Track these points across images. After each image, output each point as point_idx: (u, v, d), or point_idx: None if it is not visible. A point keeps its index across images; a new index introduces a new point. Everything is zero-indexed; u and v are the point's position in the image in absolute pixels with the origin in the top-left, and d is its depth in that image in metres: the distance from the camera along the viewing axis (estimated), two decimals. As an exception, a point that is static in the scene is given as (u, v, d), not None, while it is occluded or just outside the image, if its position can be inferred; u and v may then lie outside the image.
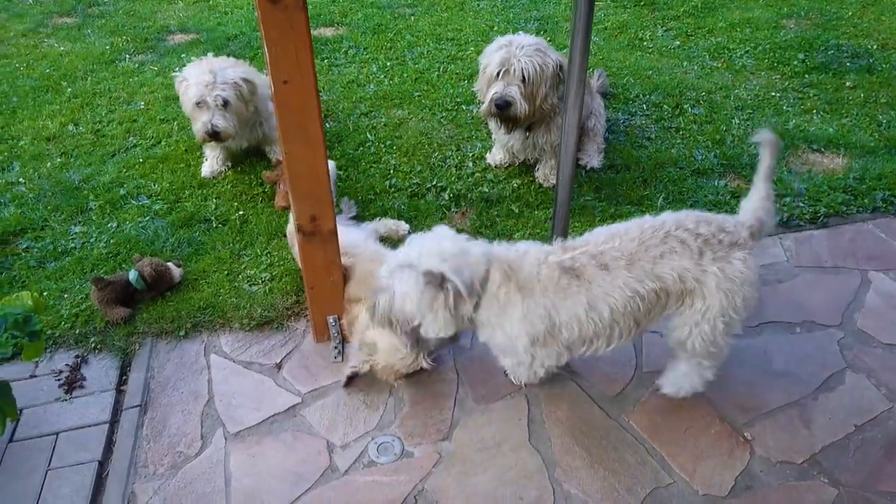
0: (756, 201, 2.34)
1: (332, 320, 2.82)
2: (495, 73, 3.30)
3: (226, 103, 3.57)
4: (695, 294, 2.20)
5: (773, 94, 4.50)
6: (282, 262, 3.23)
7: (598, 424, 2.50)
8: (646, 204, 3.51)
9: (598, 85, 4.29)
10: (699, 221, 2.23)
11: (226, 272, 3.20)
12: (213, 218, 3.55)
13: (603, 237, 2.29)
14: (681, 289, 2.19)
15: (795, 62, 4.85)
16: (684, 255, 2.17)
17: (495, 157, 3.88)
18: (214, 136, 3.61)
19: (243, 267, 3.23)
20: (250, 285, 3.13)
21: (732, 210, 3.43)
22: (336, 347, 2.81)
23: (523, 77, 3.26)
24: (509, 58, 3.25)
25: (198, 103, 3.58)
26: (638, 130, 4.17)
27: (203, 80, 3.55)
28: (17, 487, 2.34)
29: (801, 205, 3.48)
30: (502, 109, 3.32)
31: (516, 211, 3.53)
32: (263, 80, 3.87)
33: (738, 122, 4.19)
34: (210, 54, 3.85)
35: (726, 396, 2.57)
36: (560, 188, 2.75)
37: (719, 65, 4.92)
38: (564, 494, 2.28)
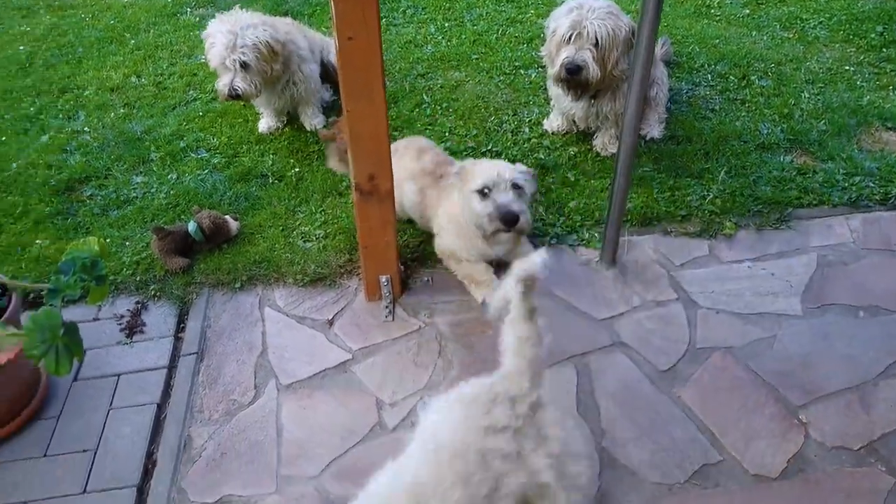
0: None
1: (384, 280, 2.83)
2: (566, 37, 3.21)
3: (245, 66, 3.52)
4: None
5: (847, 67, 4.29)
6: (336, 220, 3.25)
7: (648, 398, 2.48)
8: (706, 178, 3.41)
9: (661, 53, 4.15)
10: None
11: (281, 228, 3.24)
12: (269, 174, 3.59)
13: None
14: None
15: (873, 35, 4.61)
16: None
17: (552, 123, 3.81)
18: (235, 97, 3.59)
19: (298, 223, 3.27)
20: (304, 242, 3.16)
21: (798, 186, 3.33)
22: (387, 307, 2.84)
23: (596, 41, 3.17)
24: (581, 21, 3.16)
25: (219, 64, 3.56)
26: (701, 101, 4.04)
27: (223, 42, 3.48)
28: (82, 424, 2.44)
29: (872, 185, 3.34)
30: (573, 74, 3.24)
31: (572, 179, 3.47)
32: (303, 43, 3.83)
33: (808, 96, 4.02)
34: (237, 7, 3.71)
35: (783, 377, 2.51)
36: (621, 157, 2.68)
37: (790, 35, 4.71)
38: (612, 464, 2.27)
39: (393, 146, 2.85)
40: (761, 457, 2.28)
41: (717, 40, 4.63)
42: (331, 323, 2.81)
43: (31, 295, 2.89)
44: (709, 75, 4.27)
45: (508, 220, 2.57)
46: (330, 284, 2.98)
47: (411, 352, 2.68)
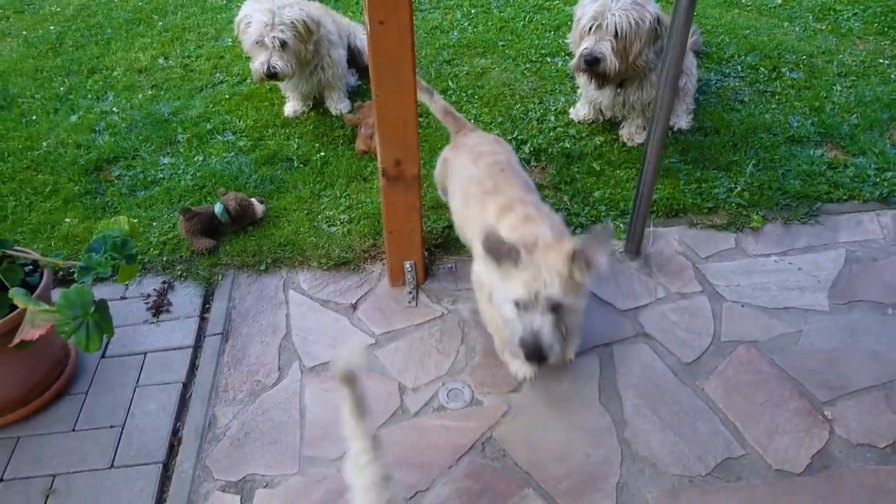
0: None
1: (408, 266, 2.84)
2: (588, 28, 3.19)
3: (284, 44, 3.53)
4: None
5: (881, 61, 4.21)
6: (360, 205, 3.26)
7: (671, 390, 2.47)
8: (734, 170, 3.38)
9: (691, 43, 4.09)
10: None
11: (306, 211, 3.26)
12: (294, 157, 3.60)
13: None
14: None
15: (908, 28, 4.52)
16: None
17: (579, 112, 3.78)
18: (272, 76, 3.60)
19: (323, 207, 3.28)
20: (329, 226, 3.18)
21: (828, 180, 3.28)
22: (410, 293, 2.84)
23: (616, 32, 3.14)
24: (603, 11, 3.13)
25: (257, 42, 3.56)
26: (731, 93, 3.99)
27: (262, 20, 3.49)
28: (110, 399, 2.48)
29: (904, 181, 3.29)
30: (591, 65, 3.22)
31: (598, 168, 3.45)
32: (332, 27, 3.83)
33: (840, 89, 3.95)
34: None
35: (808, 373, 2.49)
36: (650, 147, 2.66)
37: (823, 27, 4.63)
38: (633, 455, 2.27)
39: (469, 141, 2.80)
40: (785, 452, 2.26)
41: (748, 31, 4.57)
42: (354, 307, 2.83)
43: (61, 273, 2.94)
44: (738, 66, 4.21)
45: (533, 355, 2.12)
46: (354, 269, 3.00)
47: (434, 338, 2.68)
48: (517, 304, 2.10)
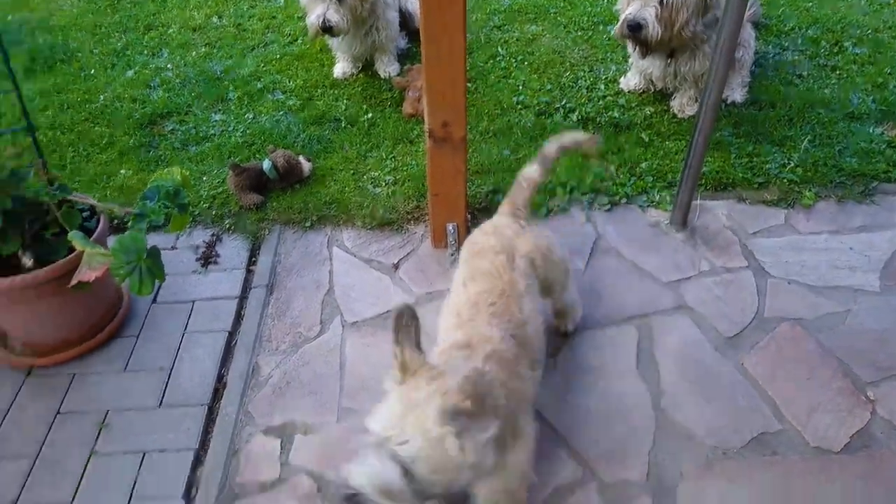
0: None
1: (451, 228, 2.86)
2: (634, -7, 3.13)
3: None
4: None
5: (952, 38, 4.03)
6: (405, 167, 3.28)
7: (710, 363, 2.45)
8: (788, 145, 3.29)
9: (749, 14, 3.96)
10: None
11: (351, 171, 3.29)
12: (342, 118, 3.63)
13: None
14: None
15: (984, 4, 4.31)
16: None
17: (629, 82, 3.72)
18: (327, 30, 3.60)
19: (368, 168, 3.31)
20: (374, 186, 3.21)
21: (887, 159, 3.18)
22: (452, 255, 2.87)
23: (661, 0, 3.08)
24: (650, -23, 3.07)
25: None
26: (789, 66, 3.87)
27: None
28: (159, 343, 2.58)
29: (968, 163, 3.16)
30: (633, 31, 3.16)
31: (646, 139, 3.40)
32: None
33: (905, 66, 3.80)
34: None
35: (853, 353, 2.44)
36: (702, 118, 2.61)
37: (891, 0, 4.44)
38: (668, 425, 2.27)
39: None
40: (824, 430, 2.23)
41: (810, 3, 4.41)
42: (396, 267, 2.86)
43: (116, 221, 3.04)
44: (798, 39, 4.08)
45: None
46: (397, 229, 3.03)
47: (473, 300, 2.70)
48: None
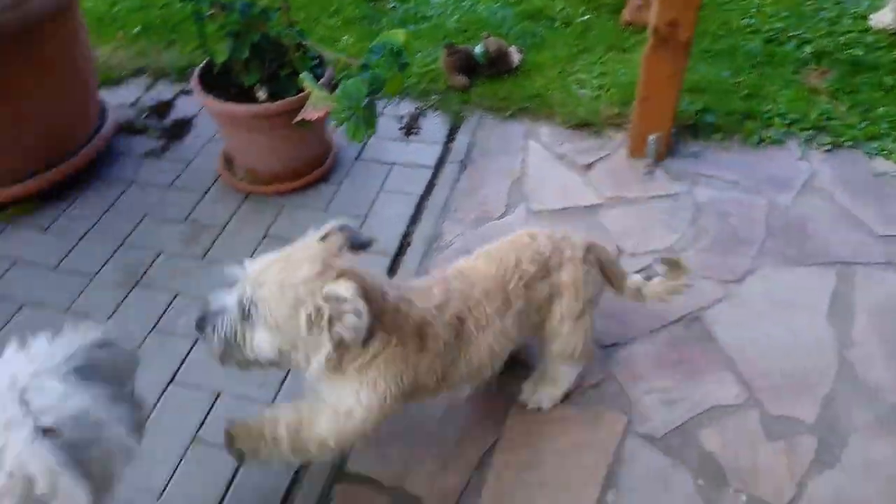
0: None
1: (652, 138, 2.78)
2: None
3: None
4: None
5: None
6: (614, 74, 3.21)
7: (914, 324, 2.25)
8: None
9: None
10: None
11: (559, 70, 3.27)
12: (557, 18, 3.59)
13: None
14: None
15: None
16: None
17: (883, 18, 3.33)
18: None
19: (576, 70, 3.27)
20: (579, 88, 3.17)
21: None
22: (648, 166, 2.80)
23: None
24: None
25: None
26: None
27: None
28: (358, 194, 2.78)
29: None
30: None
31: (890, 83, 3.05)
32: None
33: None
34: None
35: None
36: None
37: None
38: (852, 375, 2.13)
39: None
40: None
41: None
42: (589, 167, 2.85)
43: (338, 78, 3.25)
44: None
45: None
46: (595, 133, 2.99)
47: (664, 213, 2.64)
48: None
